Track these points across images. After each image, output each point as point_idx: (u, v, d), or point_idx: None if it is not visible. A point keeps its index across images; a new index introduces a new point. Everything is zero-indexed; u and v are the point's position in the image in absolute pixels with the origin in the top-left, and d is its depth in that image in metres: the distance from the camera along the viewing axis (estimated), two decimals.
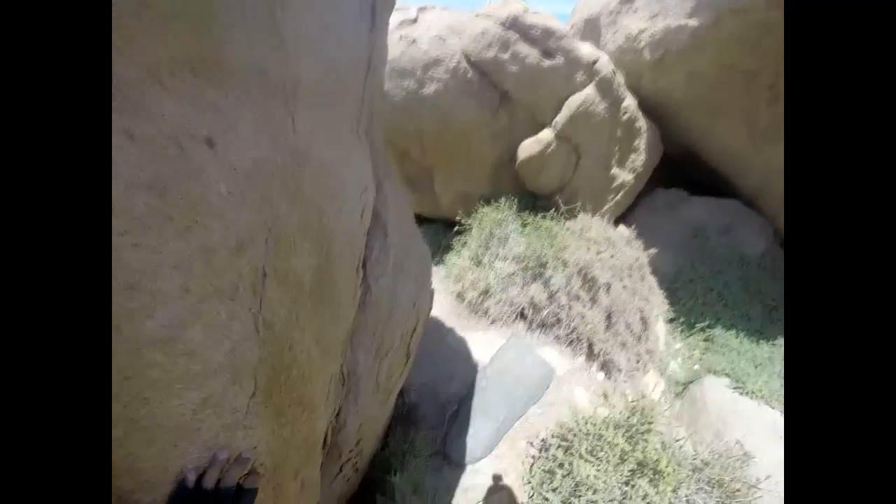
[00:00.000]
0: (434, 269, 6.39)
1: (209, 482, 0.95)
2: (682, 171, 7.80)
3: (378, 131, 2.57)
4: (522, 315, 5.14)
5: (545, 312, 5.00)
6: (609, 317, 4.96)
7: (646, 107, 6.37)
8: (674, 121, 6.68)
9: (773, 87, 5.47)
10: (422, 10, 5.42)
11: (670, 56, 5.76)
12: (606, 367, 4.93)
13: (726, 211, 6.86)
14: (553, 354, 4.88)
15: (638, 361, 5.06)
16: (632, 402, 3.91)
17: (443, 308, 5.36)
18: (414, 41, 5.17)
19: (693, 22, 5.21)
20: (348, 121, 1.88)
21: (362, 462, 2.97)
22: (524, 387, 4.50)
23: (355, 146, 1.92)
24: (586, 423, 3.67)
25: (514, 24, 5.12)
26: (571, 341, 4.96)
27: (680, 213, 6.95)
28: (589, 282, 4.96)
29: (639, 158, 6.47)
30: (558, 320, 4.96)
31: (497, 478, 3.67)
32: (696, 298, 6.06)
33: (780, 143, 5.99)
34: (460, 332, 4.96)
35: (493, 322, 5.08)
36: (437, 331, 4.97)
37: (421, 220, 7.40)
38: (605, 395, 4.00)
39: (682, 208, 7.00)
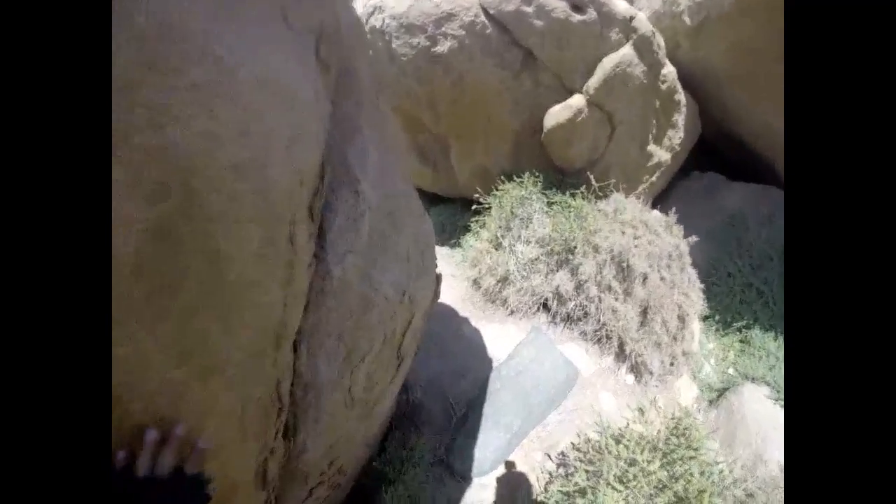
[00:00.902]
0: (450, 252, 6.01)
1: (143, 469, 0.82)
2: (717, 154, 7.11)
3: (363, 61, 1.97)
4: (545, 306, 4.70)
5: (571, 304, 4.49)
6: (644, 312, 4.35)
7: (683, 80, 5.66)
8: (713, 97, 5.98)
9: None
10: None
11: (711, 22, 5.09)
12: (637, 369, 4.39)
13: (768, 199, 6.11)
14: (578, 352, 4.38)
15: (672, 364, 4.49)
16: (672, 418, 3.28)
17: (457, 294, 5.01)
18: None
19: None
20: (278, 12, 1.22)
21: (344, 478, 2.62)
22: (544, 390, 3.98)
23: (288, 45, 1.24)
24: (617, 444, 3.07)
25: None
26: (600, 338, 4.42)
27: (717, 199, 6.26)
28: (623, 271, 4.39)
29: (677, 136, 5.79)
30: (586, 314, 4.47)
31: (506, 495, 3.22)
32: (733, 295, 5.41)
33: None
34: (475, 322, 4.62)
35: (511, 313, 4.67)
36: (450, 319, 4.61)
37: (437, 199, 6.99)
38: (642, 410, 3.37)
39: (720, 195, 6.30)
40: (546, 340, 4.32)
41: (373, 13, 4.86)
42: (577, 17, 4.47)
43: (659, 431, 3.20)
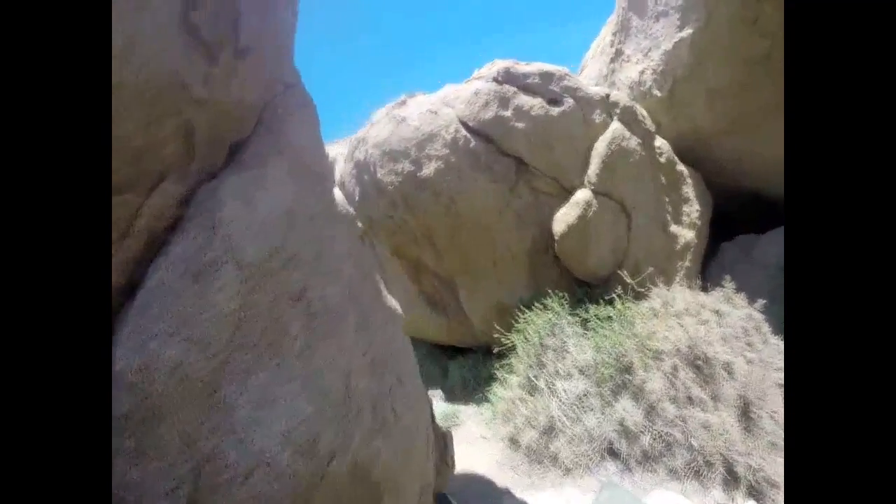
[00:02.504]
0: (477, 410, 5.12)
1: None
2: (735, 219, 6.69)
3: None
4: (611, 451, 3.74)
5: (646, 439, 3.58)
6: (745, 411, 3.47)
7: (676, 155, 5.43)
8: (708, 160, 5.71)
9: None
10: (410, 95, 4.72)
11: (680, 83, 5.09)
12: (758, 490, 3.37)
13: None
14: (674, 499, 3.34)
15: None
16: None
17: (492, 460, 4.06)
18: (403, 119, 4.37)
19: (687, 31, 4.62)
20: None
21: None
22: None
23: None
24: None
25: (508, 77, 4.37)
26: (698, 470, 3.44)
27: (756, 257, 5.67)
28: (700, 370, 3.62)
29: (692, 209, 5.37)
30: (668, 445, 3.53)
31: None
32: None
33: None
34: (520, 493, 3.63)
35: (567, 472, 3.71)
36: (486, 496, 3.64)
37: (455, 352, 6.29)
38: None
39: (757, 251, 5.73)
40: (626, 496, 3.35)
41: (357, 147, 4.69)
42: (556, 110, 4.29)
43: None
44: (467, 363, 5.99)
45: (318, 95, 2.08)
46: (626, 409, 3.67)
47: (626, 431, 3.65)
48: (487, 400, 4.84)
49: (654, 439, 3.54)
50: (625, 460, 3.62)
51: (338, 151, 6.09)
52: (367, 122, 4.73)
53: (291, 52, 2.03)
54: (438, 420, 5.06)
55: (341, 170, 5.14)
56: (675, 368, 3.64)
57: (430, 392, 5.64)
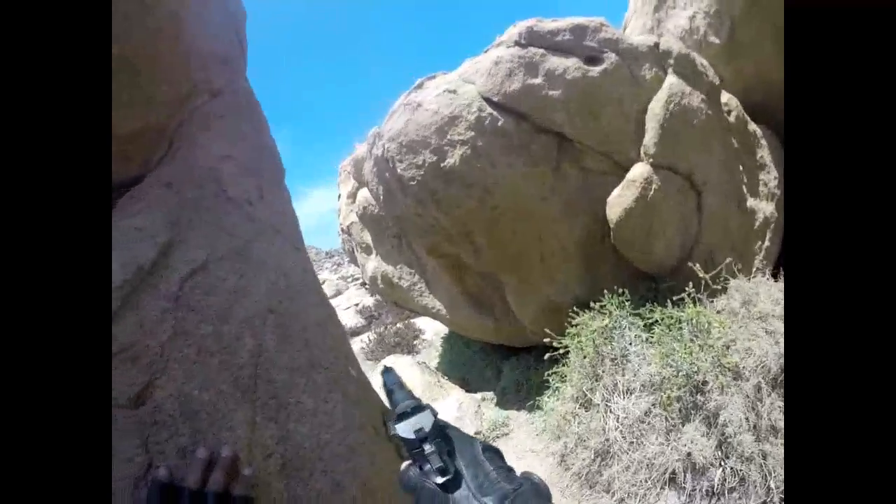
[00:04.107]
0: (528, 418, 4.65)
1: (191, 483, 0.82)
2: None
3: None
4: (673, 482, 3.15)
5: (716, 473, 2.97)
6: None
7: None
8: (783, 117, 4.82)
9: None
10: (429, 77, 4.08)
11: (740, 23, 4.34)
12: None
13: None
14: None
15: None
16: None
17: (541, 477, 3.34)
18: (419, 105, 3.72)
19: None
20: None
21: None
22: None
23: None
24: None
25: (533, 38, 3.64)
26: None
27: None
28: None
29: (770, 177, 4.53)
30: (742, 481, 2.94)
31: None
32: None
33: None
34: None
35: (620, 502, 3.23)
36: None
37: (508, 352, 5.76)
38: None
39: None
40: None
41: (374, 143, 4.09)
42: (596, 70, 3.55)
43: None
44: (520, 365, 5.44)
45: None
46: (695, 436, 3.07)
47: (692, 463, 3.05)
48: (539, 408, 4.35)
49: (726, 475, 2.94)
50: (689, 496, 3.06)
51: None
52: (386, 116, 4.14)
53: (230, 54, 1.89)
54: (486, 429, 4.61)
55: (367, 169, 4.58)
56: (758, 390, 3.01)
57: (483, 395, 5.32)
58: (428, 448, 0.74)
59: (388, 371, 0.97)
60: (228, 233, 1.45)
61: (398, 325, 9.21)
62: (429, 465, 0.72)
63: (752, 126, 4.40)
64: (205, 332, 1.14)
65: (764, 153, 4.49)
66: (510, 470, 0.73)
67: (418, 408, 0.82)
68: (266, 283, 1.46)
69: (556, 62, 3.53)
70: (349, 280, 17.13)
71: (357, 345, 8.70)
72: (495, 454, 0.76)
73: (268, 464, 1.10)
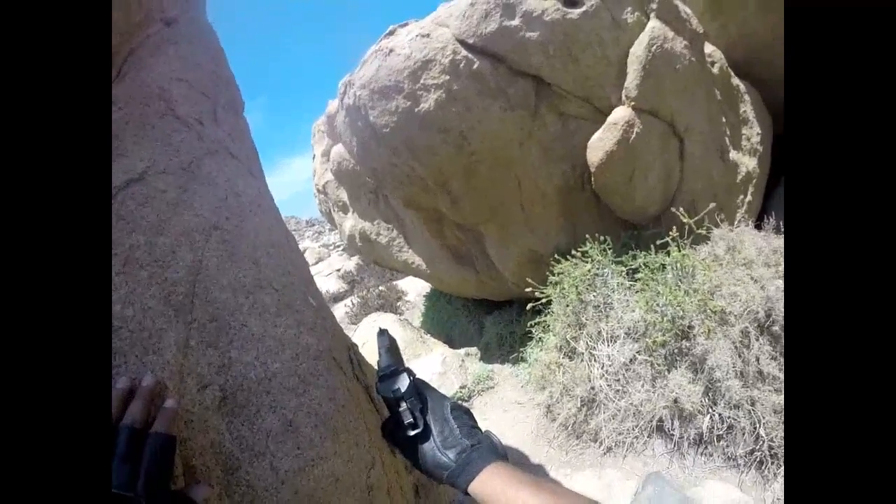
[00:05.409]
0: (512, 371, 4.69)
1: (135, 419, 0.72)
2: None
3: None
4: (660, 430, 3.16)
5: (703, 421, 2.94)
6: None
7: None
8: (767, 76, 4.71)
9: None
10: (401, 25, 3.93)
11: None
12: None
13: None
14: (728, 490, 2.81)
15: None
16: None
17: (527, 430, 3.74)
18: (391, 51, 3.56)
19: None
20: None
21: None
22: None
23: None
24: None
25: None
26: (760, 460, 2.81)
27: None
28: (777, 337, 2.92)
29: (753, 133, 4.46)
30: (730, 428, 2.91)
31: None
32: None
33: None
34: (555, 471, 3.29)
35: (608, 450, 3.23)
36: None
37: (491, 306, 5.82)
38: None
39: None
40: (673, 494, 2.70)
41: (345, 92, 3.93)
42: (576, 12, 3.42)
43: None
44: (502, 319, 5.47)
45: None
46: (681, 382, 3.02)
47: (679, 409, 3.01)
48: (524, 360, 4.40)
49: (713, 421, 2.90)
50: (676, 444, 3.04)
51: None
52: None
53: None
54: (471, 383, 4.53)
55: (339, 121, 4.41)
56: (745, 335, 2.94)
57: (467, 351, 5.33)
58: (402, 406, 0.86)
59: (381, 333, 1.01)
60: (175, 148, 1.33)
61: (381, 287, 9.22)
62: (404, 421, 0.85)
63: (736, 80, 4.32)
64: (134, 243, 0.98)
65: (747, 108, 4.42)
66: (473, 427, 0.85)
67: (397, 371, 0.91)
68: (214, 199, 1.32)
69: (535, 3, 3.40)
70: (331, 248, 17.21)
71: (341, 310, 8.76)
72: (464, 413, 0.88)
73: (203, 396, 0.95)
